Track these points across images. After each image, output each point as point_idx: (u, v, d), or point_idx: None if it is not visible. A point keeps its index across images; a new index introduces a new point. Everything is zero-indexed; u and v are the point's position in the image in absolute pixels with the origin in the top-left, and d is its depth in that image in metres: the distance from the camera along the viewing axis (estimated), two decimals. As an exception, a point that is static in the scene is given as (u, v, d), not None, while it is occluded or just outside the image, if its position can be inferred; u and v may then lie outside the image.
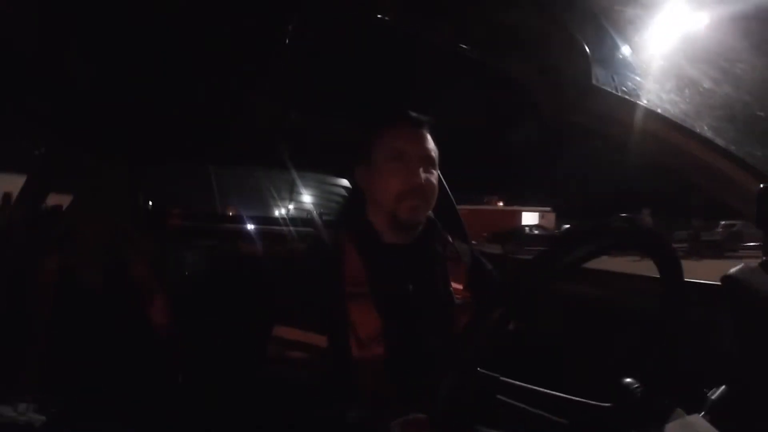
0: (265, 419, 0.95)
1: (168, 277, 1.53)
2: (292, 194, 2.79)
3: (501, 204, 36.74)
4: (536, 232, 23.05)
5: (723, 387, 0.81)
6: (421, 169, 1.04)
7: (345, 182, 2.39)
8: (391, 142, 1.06)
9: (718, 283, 0.92)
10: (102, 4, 1.01)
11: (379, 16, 0.96)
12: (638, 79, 0.89)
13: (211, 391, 1.46)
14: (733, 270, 0.86)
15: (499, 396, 0.76)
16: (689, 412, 0.72)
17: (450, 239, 1.19)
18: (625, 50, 0.89)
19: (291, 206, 2.95)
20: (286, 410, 0.93)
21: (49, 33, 1.11)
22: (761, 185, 0.77)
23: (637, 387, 0.76)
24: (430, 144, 1.09)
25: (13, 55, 1.15)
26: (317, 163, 2.18)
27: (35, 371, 1.25)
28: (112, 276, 1.42)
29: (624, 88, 0.92)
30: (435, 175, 1.08)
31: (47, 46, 1.16)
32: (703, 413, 0.72)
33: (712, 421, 0.71)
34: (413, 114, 1.10)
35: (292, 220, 2.40)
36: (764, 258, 0.80)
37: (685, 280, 0.78)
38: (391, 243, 1.08)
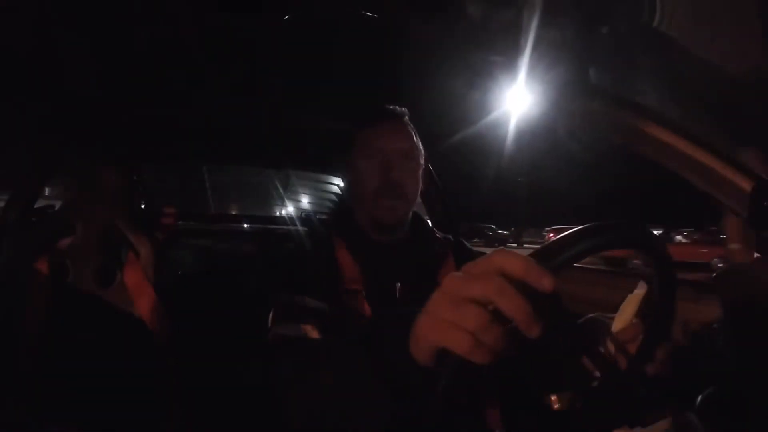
0: (261, 418, 0.95)
1: (162, 276, 1.52)
2: (286, 193, 2.78)
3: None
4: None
5: (713, 385, 0.82)
6: (396, 166, 1.02)
7: (339, 181, 2.39)
8: (365, 140, 1.05)
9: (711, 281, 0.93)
10: (101, 4, 1.01)
11: (368, 13, 0.96)
12: (633, 78, 0.89)
13: (206, 391, 1.46)
14: (725, 268, 0.86)
15: None
16: (680, 410, 0.72)
17: (439, 235, 1.19)
18: (621, 49, 0.89)
19: (285, 205, 2.95)
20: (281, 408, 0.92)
21: (47, 32, 1.10)
22: (754, 185, 0.78)
23: (628, 384, 0.76)
24: (408, 138, 1.06)
25: (10, 55, 1.14)
26: (311, 162, 2.18)
27: (29, 373, 1.24)
28: (106, 277, 1.41)
29: (619, 87, 0.93)
30: (414, 170, 1.05)
31: (44, 46, 1.15)
32: (693, 411, 0.73)
33: (702, 419, 0.71)
34: (387, 108, 1.08)
35: (285, 219, 2.40)
36: (757, 256, 0.81)
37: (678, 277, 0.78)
38: (378, 241, 1.07)
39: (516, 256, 0.50)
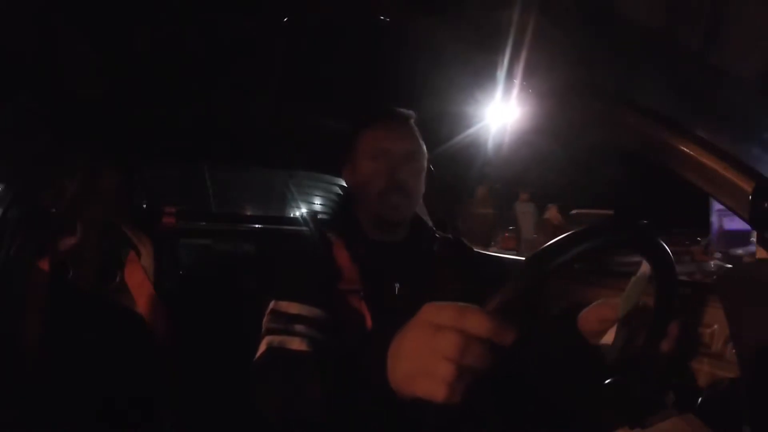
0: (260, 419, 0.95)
1: (163, 276, 1.52)
2: (286, 193, 2.78)
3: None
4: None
5: (714, 386, 0.82)
6: (403, 166, 1.03)
7: (340, 181, 2.39)
8: (373, 140, 1.06)
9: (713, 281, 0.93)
10: (100, 4, 1.01)
11: (374, 15, 0.96)
12: (634, 77, 0.89)
13: (208, 390, 1.46)
14: (727, 269, 0.86)
15: None
16: (681, 410, 0.72)
17: (438, 235, 1.19)
18: (622, 49, 0.89)
19: (285, 205, 2.94)
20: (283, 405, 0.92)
21: (47, 32, 1.10)
22: (755, 185, 0.78)
23: (628, 384, 0.76)
24: (414, 140, 1.08)
25: (10, 54, 1.14)
26: (312, 162, 2.18)
27: (29, 373, 1.24)
28: (107, 276, 1.41)
29: (620, 88, 0.93)
30: (419, 171, 1.07)
31: (44, 45, 1.15)
32: (694, 412, 0.73)
33: (704, 419, 0.71)
34: (394, 110, 1.09)
35: (286, 219, 2.40)
36: (758, 257, 0.81)
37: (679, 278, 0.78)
38: (378, 241, 1.08)
39: (477, 315, 0.50)
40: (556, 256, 0.57)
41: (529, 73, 0.99)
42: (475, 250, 1.42)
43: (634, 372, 0.77)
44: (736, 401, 0.78)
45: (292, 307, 0.93)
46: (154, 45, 1.18)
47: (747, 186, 0.79)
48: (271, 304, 0.96)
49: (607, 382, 0.75)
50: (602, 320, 0.88)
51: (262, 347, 0.91)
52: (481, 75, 1.12)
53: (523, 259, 0.61)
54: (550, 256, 0.57)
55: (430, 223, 1.49)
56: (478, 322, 0.50)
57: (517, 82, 1.02)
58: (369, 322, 0.97)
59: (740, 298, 0.82)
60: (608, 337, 0.86)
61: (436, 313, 0.53)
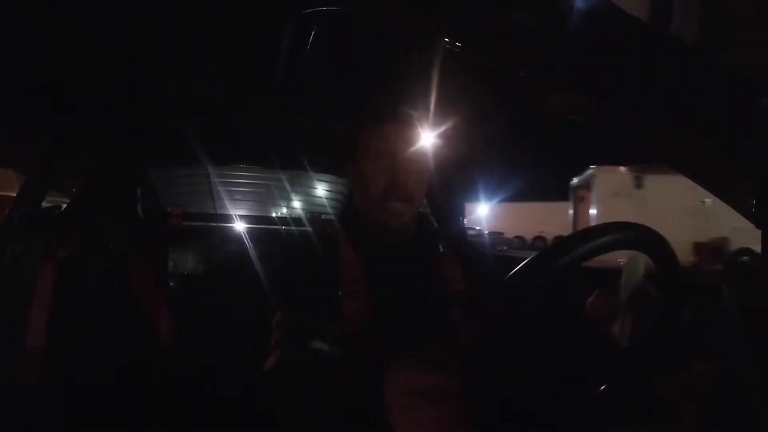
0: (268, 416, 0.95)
1: (167, 277, 1.53)
2: (292, 194, 2.79)
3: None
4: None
5: (720, 385, 0.81)
6: (404, 167, 1.02)
7: (345, 181, 2.39)
8: (373, 142, 1.05)
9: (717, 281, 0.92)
10: (103, 4, 1.01)
11: (373, 14, 0.96)
12: (638, 73, 0.89)
13: (211, 390, 1.47)
14: (732, 269, 0.85)
15: None
16: (686, 411, 0.72)
17: (443, 234, 1.19)
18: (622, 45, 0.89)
19: (290, 206, 2.95)
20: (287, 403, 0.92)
21: (49, 32, 1.10)
22: (760, 185, 0.77)
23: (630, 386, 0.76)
24: (416, 141, 1.06)
25: (13, 54, 1.15)
26: (317, 163, 2.18)
27: (35, 374, 1.25)
28: (112, 277, 1.42)
29: (623, 83, 0.92)
30: (421, 174, 1.06)
31: (47, 45, 1.16)
32: (699, 411, 0.73)
33: (709, 419, 0.71)
34: (397, 110, 1.09)
35: (290, 220, 2.41)
36: (763, 258, 0.80)
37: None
38: (383, 241, 1.08)
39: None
40: (563, 254, 0.58)
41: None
42: (480, 249, 1.42)
43: (636, 369, 0.77)
44: (742, 401, 0.77)
45: (299, 319, 0.94)
46: (155, 45, 1.18)
47: (752, 186, 0.78)
48: (278, 316, 0.96)
49: (603, 387, 0.75)
50: (608, 307, 0.87)
51: (272, 361, 0.92)
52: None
53: (524, 258, 0.61)
54: (559, 253, 0.58)
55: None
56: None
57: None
58: (375, 322, 0.97)
59: (746, 297, 0.81)
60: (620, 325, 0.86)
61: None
